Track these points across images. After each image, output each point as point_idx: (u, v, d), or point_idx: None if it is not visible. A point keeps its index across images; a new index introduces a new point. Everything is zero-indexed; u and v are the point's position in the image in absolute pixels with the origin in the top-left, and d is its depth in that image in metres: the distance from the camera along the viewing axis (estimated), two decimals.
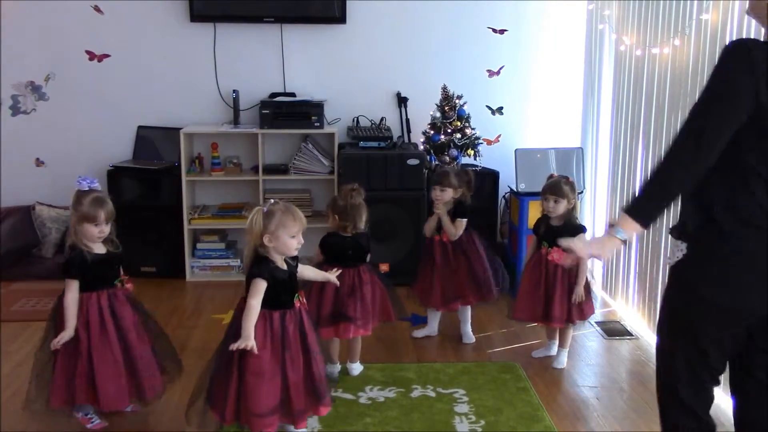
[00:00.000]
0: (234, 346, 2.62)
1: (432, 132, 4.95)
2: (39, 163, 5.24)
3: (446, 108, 4.91)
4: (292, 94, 5.09)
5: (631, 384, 3.56)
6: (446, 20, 5.21)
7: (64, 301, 2.91)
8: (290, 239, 2.77)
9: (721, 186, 1.96)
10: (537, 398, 3.36)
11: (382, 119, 5.19)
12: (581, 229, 3.69)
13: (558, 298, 3.62)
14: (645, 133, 4.19)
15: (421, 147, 5.04)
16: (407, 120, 5.21)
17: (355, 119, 5.19)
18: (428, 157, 4.93)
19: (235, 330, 2.71)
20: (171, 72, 5.16)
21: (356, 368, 3.59)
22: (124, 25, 5.08)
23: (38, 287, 4.72)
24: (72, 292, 2.89)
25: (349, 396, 3.37)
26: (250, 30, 5.11)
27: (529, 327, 4.20)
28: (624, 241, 2.09)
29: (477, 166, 5.00)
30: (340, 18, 5.03)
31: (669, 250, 2.77)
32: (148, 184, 5.04)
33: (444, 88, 4.95)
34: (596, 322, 4.30)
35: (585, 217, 5.12)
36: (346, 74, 5.22)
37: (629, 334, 4.14)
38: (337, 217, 3.47)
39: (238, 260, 5.11)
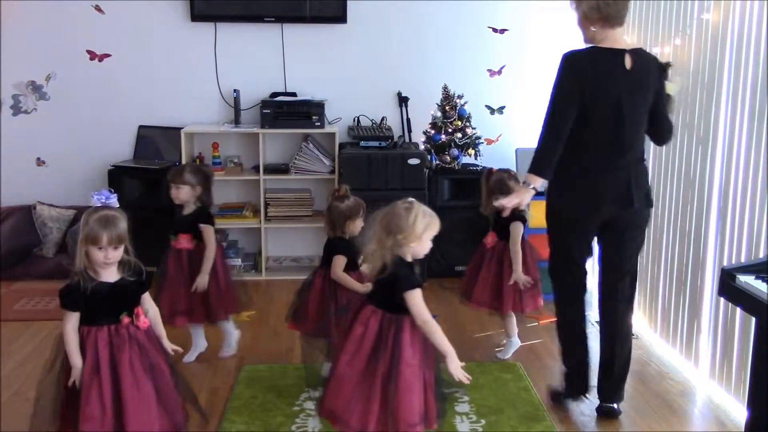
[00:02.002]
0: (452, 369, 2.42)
1: (433, 132, 4.95)
2: (40, 162, 5.24)
3: (447, 107, 4.91)
4: (293, 94, 5.09)
5: (632, 384, 3.55)
6: (447, 20, 5.21)
7: (63, 336, 2.52)
8: (429, 243, 2.49)
9: (569, 148, 2.96)
10: (538, 398, 3.36)
11: (382, 119, 5.18)
12: (520, 218, 3.69)
13: (487, 283, 3.70)
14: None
15: (422, 147, 5.04)
16: (408, 120, 5.20)
17: (356, 119, 5.19)
18: (429, 157, 4.93)
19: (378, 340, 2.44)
20: (172, 72, 5.16)
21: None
22: (124, 25, 5.09)
23: (39, 287, 4.72)
24: (69, 323, 2.49)
25: None
26: (250, 29, 5.11)
27: (529, 326, 4.20)
28: (534, 189, 2.99)
29: (478, 165, 5.00)
30: (341, 18, 5.03)
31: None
32: (148, 183, 5.04)
33: (445, 88, 4.95)
34: (597, 322, 4.29)
35: None
36: (347, 74, 5.22)
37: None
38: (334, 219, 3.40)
39: (239, 260, 5.11)
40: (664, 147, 3.94)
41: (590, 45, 3.04)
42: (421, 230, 2.43)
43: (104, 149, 5.17)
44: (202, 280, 3.54)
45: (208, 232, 3.59)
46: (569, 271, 3.22)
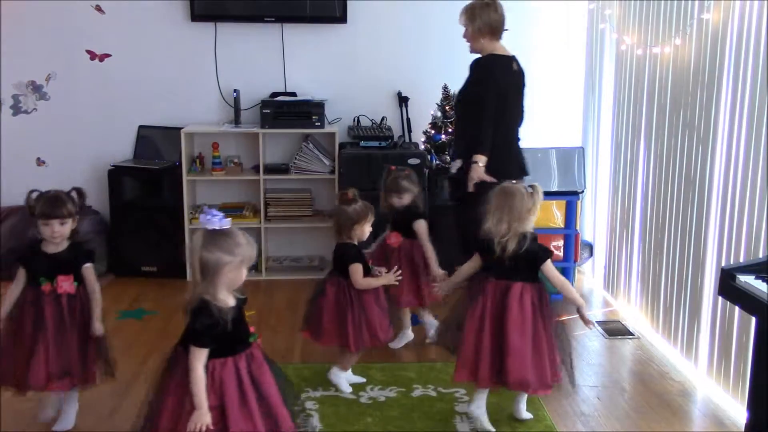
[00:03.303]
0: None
1: (433, 131, 4.95)
2: (40, 162, 5.24)
3: (447, 107, 4.91)
4: (293, 94, 5.08)
5: (632, 384, 3.56)
6: (447, 20, 5.18)
7: (192, 377, 2.26)
8: None
9: (496, 130, 3.71)
10: (538, 398, 3.36)
11: (382, 119, 5.18)
12: (420, 216, 3.76)
13: (406, 282, 3.69)
14: (646, 132, 4.19)
15: (422, 146, 5.04)
16: (408, 119, 5.20)
17: (356, 119, 5.19)
18: (429, 157, 4.93)
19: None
20: (172, 71, 5.16)
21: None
22: (125, 25, 5.08)
23: None
24: (199, 362, 2.27)
25: (350, 396, 3.37)
26: (250, 29, 5.11)
27: None
28: (480, 165, 3.64)
29: None
30: (341, 17, 5.03)
31: (452, 165, 3.89)
32: (149, 183, 5.04)
33: (445, 88, 4.95)
34: (597, 322, 4.30)
35: (586, 216, 5.12)
36: (347, 74, 5.22)
37: (630, 333, 4.14)
38: (341, 223, 3.38)
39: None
40: (664, 147, 3.96)
41: (490, 53, 3.80)
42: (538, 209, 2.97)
43: (104, 149, 5.17)
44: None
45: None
46: None
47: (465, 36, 3.88)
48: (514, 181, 3.06)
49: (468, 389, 3.39)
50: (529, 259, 2.94)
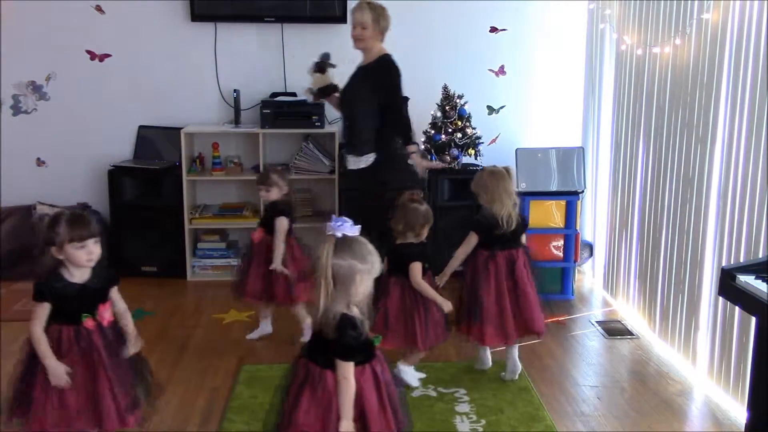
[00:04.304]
0: None
1: (433, 131, 4.95)
2: (40, 162, 5.24)
3: (447, 107, 4.91)
4: (293, 94, 5.08)
5: (631, 383, 3.56)
6: (447, 20, 5.20)
7: (347, 389, 2.23)
8: None
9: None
10: (538, 398, 3.36)
11: None
12: (282, 213, 3.79)
13: (252, 273, 3.78)
14: (646, 132, 4.19)
15: (422, 147, 5.03)
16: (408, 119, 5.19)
17: None
18: (429, 157, 4.92)
19: None
20: (172, 72, 5.16)
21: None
22: (124, 25, 5.08)
23: None
24: (351, 375, 2.24)
25: None
26: (250, 29, 5.11)
27: None
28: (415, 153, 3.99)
29: (478, 165, 5.00)
30: (341, 17, 5.03)
31: (353, 162, 4.02)
32: (149, 183, 5.04)
33: (445, 88, 4.95)
34: (597, 322, 4.30)
35: (586, 216, 5.12)
36: (347, 74, 5.20)
37: (630, 333, 4.14)
38: (400, 224, 3.38)
39: (239, 260, 5.10)
40: (663, 146, 3.96)
41: (387, 53, 4.00)
42: None
43: (104, 149, 5.17)
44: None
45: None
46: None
47: (362, 34, 3.96)
48: (495, 165, 3.54)
49: (468, 388, 3.40)
50: (520, 228, 3.45)
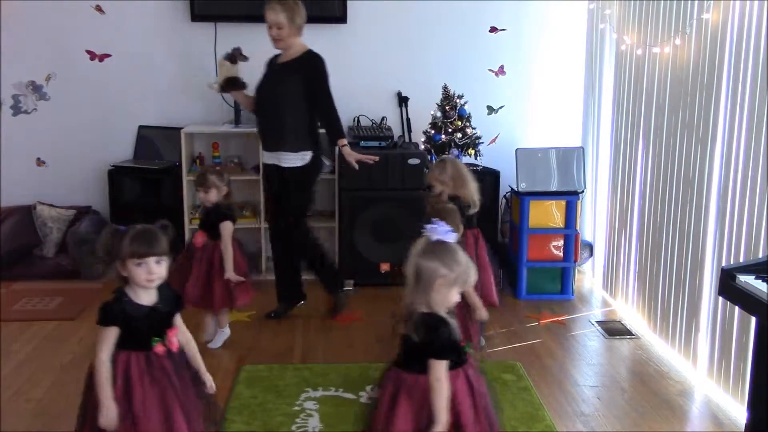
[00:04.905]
0: None
1: (433, 131, 4.95)
2: (40, 162, 5.24)
3: (447, 107, 4.91)
4: None
5: (631, 383, 3.56)
6: (447, 20, 5.21)
7: (440, 389, 2.16)
8: None
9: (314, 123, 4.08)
10: (538, 398, 3.36)
11: (382, 119, 5.18)
12: (226, 217, 3.73)
13: (192, 280, 3.69)
14: (645, 132, 4.19)
15: (422, 147, 5.04)
16: (408, 119, 5.20)
17: (356, 119, 5.19)
18: (429, 157, 4.92)
19: None
20: (172, 71, 5.16)
21: None
22: (124, 25, 5.08)
23: (39, 287, 4.72)
24: (444, 375, 2.18)
25: (350, 395, 3.37)
26: (250, 29, 5.08)
27: (528, 326, 4.21)
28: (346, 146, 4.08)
29: (478, 165, 5.00)
30: (341, 17, 5.03)
31: (289, 159, 4.01)
32: (148, 183, 5.04)
33: (445, 88, 4.95)
34: (597, 322, 4.30)
35: (586, 216, 5.12)
36: (347, 74, 5.20)
37: (630, 333, 4.14)
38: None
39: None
40: (663, 146, 3.96)
41: (310, 48, 4.03)
42: None
43: (104, 149, 5.17)
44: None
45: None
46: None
47: (280, 34, 3.93)
48: (443, 157, 3.78)
49: None
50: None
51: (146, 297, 2.33)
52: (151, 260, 2.28)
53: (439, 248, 2.17)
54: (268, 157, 4.13)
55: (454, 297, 2.19)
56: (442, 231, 2.19)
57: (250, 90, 4.15)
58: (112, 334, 2.26)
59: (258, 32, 5.08)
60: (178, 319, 2.43)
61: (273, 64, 4.14)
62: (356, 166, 4.11)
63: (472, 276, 2.21)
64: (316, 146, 4.08)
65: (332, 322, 4.26)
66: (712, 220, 3.49)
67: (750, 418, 2.56)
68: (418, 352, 2.16)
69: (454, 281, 2.16)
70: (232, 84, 4.11)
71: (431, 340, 2.14)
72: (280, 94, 4.01)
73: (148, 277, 2.28)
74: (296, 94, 3.97)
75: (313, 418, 3.13)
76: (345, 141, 4.08)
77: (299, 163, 4.02)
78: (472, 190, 3.63)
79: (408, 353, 2.22)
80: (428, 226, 2.21)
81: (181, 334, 2.43)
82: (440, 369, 2.14)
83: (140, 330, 2.30)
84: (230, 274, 3.71)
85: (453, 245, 2.20)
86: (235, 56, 4.13)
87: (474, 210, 3.62)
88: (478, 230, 3.71)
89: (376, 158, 4.23)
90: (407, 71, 5.24)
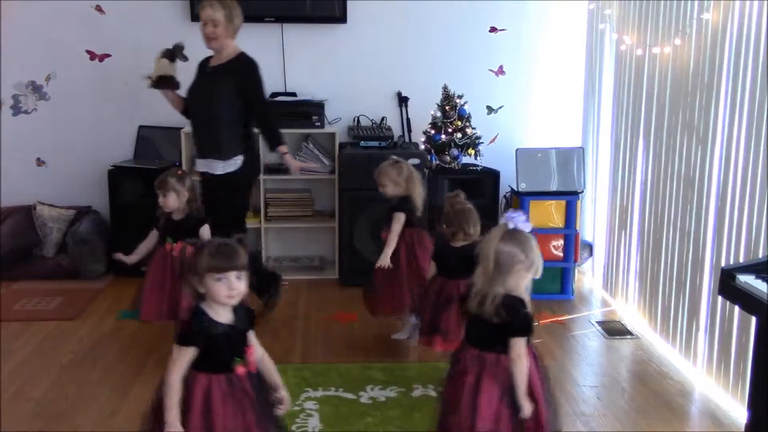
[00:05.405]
0: None
1: (433, 131, 4.95)
2: (40, 162, 5.24)
3: (447, 107, 4.91)
4: (293, 94, 5.08)
5: (632, 383, 3.56)
6: (447, 20, 5.21)
7: (522, 366, 2.32)
8: None
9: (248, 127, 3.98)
10: None
11: (382, 119, 5.19)
12: (202, 222, 3.59)
13: (164, 292, 3.54)
14: (646, 132, 4.19)
15: (422, 147, 5.04)
16: (408, 119, 5.20)
17: (356, 119, 5.19)
18: (429, 157, 4.93)
19: None
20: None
21: None
22: (124, 25, 5.08)
23: (39, 287, 4.72)
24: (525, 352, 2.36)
25: (350, 395, 3.37)
26: (250, 30, 5.06)
27: None
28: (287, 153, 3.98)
29: (478, 165, 5.01)
30: (341, 18, 5.03)
31: (221, 167, 3.85)
32: (149, 183, 4.99)
33: (445, 88, 4.95)
34: (597, 322, 4.31)
35: (586, 216, 5.12)
36: (347, 74, 5.22)
37: (630, 333, 4.14)
38: (444, 225, 3.41)
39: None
40: (663, 146, 3.96)
41: (242, 51, 3.89)
42: None
43: (104, 149, 5.17)
44: None
45: None
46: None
47: (215, 32, 3.78)
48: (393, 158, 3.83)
49: None
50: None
51: (224, 314, 2.23)
52: (232, 275, 2.18)
53: (518, 235, 2.31)
54: (201, 165, 3.94)
55: (528, 281, 2.34)
56: (520, 220, 2.33)
57: (183, 91, 3.99)
58: (188, 354, 2.16)
59: (258, 32, 5.12)
60: (252, 337, 2.32)
61: (204, 67, 3.98)
62: (297, 172, 4.16)
63: (542, 264, 2.33)
64: (249, 149, 3.95)
65: (332, 322, 4.26)
66: (711, 220, 3.50)
67: (750, 418, 2.56)
68: (497, 332, 2.30)
69: (530, 266, 2.30)
70: (165, 82, 3.92)
71: (514, 319, 2.28)
72: (210, 97, 3.84)
73: (229, 293, 2.18)
74: (228, 99, 3.81)
75: (313, 418, 3.13)
76: (285, 148, 3.95)
77: (231, 169, 3.86)
78: (420, 193, 3.74)
79: (487, 334, 2.33)
80: (507, 214, 2.35)
81: (256, 351, 2.33)
82: (521, 346, 2.30)
83: (221, 350, 2.20)
84: None
85: (528, 234, 2.33)
86: (174, 54, 3.92)
87: (419, 212, 3.75)
88: (422, 231, 3.79)
89: (317, 165, 4.17)
90: (407, 71, 5.24)
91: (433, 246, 3.58)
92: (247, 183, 4.04)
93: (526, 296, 2.34)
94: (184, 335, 2.19)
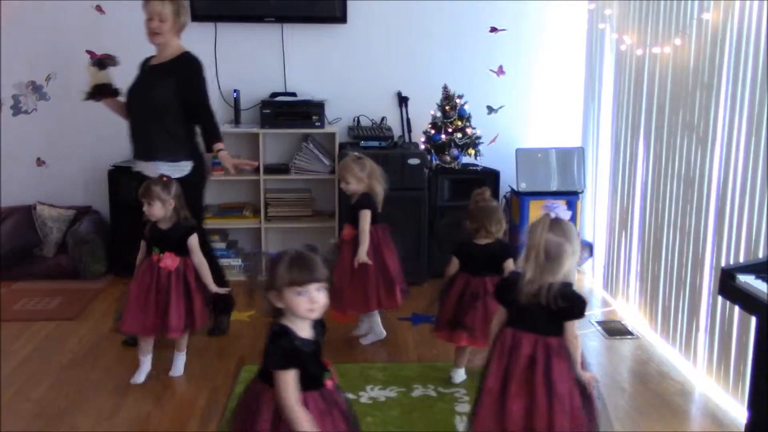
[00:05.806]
0: None
1: (433, 131, 4.96)
2: (40, 162, 5.25)
3: (447, 107, 4.91)
4: (293, 94, 5.09)
5: (632, 383, 3.56)
6: (447, 20, 5.21)
7: (577, 345, 2.47)
8: None
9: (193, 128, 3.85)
10: None
11: (382, 119, 5.19)
12: (190, 231, 3.45)
13: (174, 307, 3.38)
14: (646, 132, 4.19)
15: (422, 146, 5.04)
16: (408, 119, 5.21)
17: (356, 119, 5.20)
18: (429, 157, 4.93)
19: None
20: None
21: (459, 375, 3.50)
22: (124, 25, 5.08)
23: (39, 287, 4.72)
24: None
25: (350, 395, 3.36)
26: (250, 30, 5.12)
27: None
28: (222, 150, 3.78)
29: (478, 165, 5.01)
30: (341, 17, 5.03)
31: (166, 171, 3.63)
32: None
33: (445, 88, 4.95)
34: (597, 322, 4.30)
35: (586, 217, 5.12)
36: (347, 74, 5.22)
37: (630, 333, 4.14)
38: (468, 222, 3.39)
39: (239, 260, 5.11)
40: (663, 146, 3.96)
41: (187, 50, 3.81)
42: None
43: (104, 149, 5.16)
44: None
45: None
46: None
47: (161, 27, 3.68)
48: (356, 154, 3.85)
49: (468, 388, 3.39)
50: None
51: (306, 329, 2.12)
52: (312, 287, 2.06)
53: (562, 225, 2.39)
54: (142, 167, 3.79)
55: (571, 270, 2.42)
56: (561, 209, 2.41)
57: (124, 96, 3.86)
58: (294, 376, 2.05)
59: (258, 32, 5.13)
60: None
61: (145, 66, 3.87)
62: (233, 171, 3.86)
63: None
64: (196, 154, 3.80)
65: (332, 322, 4.25)
66: (711, 220, 3.49)
67: (750, 418, 2.56)
68: (556, 318, 2.40)
69: (574, 254, 2.39)
70: (100, 91, 3.78)
71: (572, 305, 2.39)
72: (150, 98, 3.71)
73: (310, 307, 2.07)
74: (169, 98, 3.68)
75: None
76: (221, 145, 3.76)
77: (177, 176, 3.62)
78: (381, 190, 3.77)
79: (545, 320, 2.41)
80: (547, 204, 2.43)
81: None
82: (576, 327, 2.44)
83: (315, 366, 2.12)
84: (214, 286, 3.48)
85: (570, 222, 2.43)
86: (103, 62, 3.80)
87: (380, 208, 3.78)
88: (386, 228, 3.83)
89: (255, 164, 4.13)
90: (407, 71, 5.24)
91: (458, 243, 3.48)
92: (199, 188, 3.86)
93: (572, 280, 2.45)
94: (281, 359, 2.06)
